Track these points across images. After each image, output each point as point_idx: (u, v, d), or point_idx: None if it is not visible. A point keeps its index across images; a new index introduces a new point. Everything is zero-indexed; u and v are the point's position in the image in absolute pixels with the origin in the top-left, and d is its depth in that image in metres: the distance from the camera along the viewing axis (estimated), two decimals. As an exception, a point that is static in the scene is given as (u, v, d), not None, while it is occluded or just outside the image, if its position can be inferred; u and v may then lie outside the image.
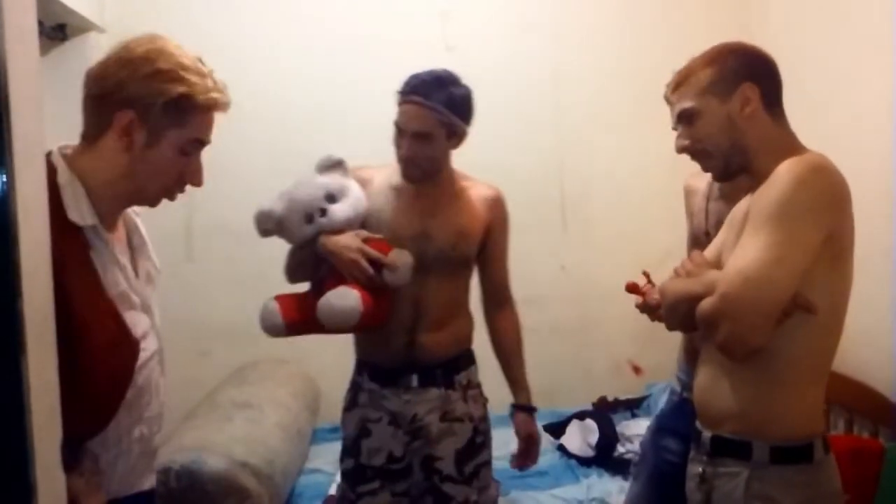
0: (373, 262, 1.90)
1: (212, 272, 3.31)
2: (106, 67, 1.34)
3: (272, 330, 1.96)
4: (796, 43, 3.00)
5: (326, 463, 2.96)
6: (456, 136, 1.97)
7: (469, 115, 1.98)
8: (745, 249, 1.38)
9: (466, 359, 2.13)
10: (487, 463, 2.11)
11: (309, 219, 1.94)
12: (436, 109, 1.91)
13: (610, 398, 3.51)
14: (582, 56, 3.56)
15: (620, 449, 3.04)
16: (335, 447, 3.03)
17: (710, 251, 1.61)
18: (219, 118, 1.42)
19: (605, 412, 3.31)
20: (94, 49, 2.99)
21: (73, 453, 1.27)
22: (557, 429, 3.20)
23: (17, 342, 0.91)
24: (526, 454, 2.19)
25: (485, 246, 2.09)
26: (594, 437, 3.04)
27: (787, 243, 1.35)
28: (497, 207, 2.10)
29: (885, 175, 2.53)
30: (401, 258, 1.93)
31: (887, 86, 2.58)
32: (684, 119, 1.53)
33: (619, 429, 3.13)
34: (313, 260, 1.97)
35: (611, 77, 3.55)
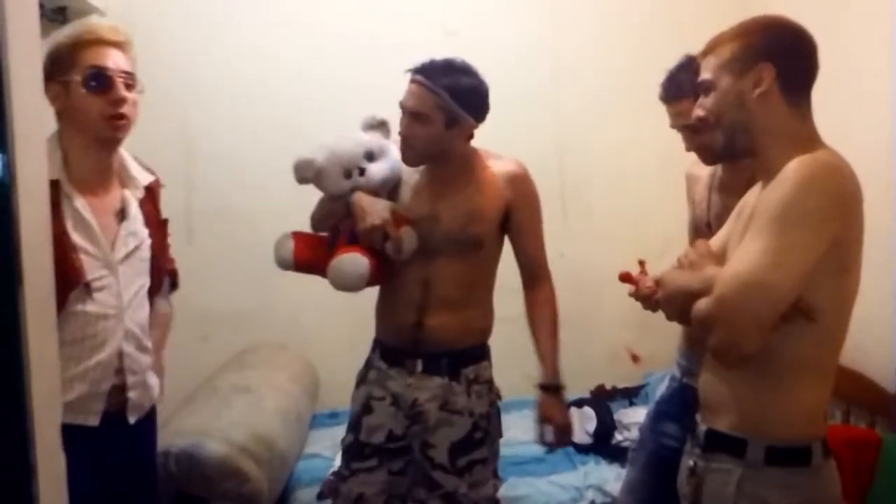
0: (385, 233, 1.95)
1: (212, 256, 3.30)
2: None
3: (282, 263, 2.06)
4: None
5: (325, 448, 2.97)
6: (457, 125, 1.94)
7: (476, 108, 1.95)
8: (745, 252, 1.34)
9: (478, 353, 2.10)
10: (485, 460, 2.06)
11: (347, 174, 2.00)
12: (435, 92, 1.90)
13: (608, 386, 3.52)
14: (583, 42, 3.54)
15: (618, 437, 3.05)
16: (334, 432, 3.05)
17: (715, 242, 1.58)
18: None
19: (602, 400, 3.32)
20: (95, 32, 2.97)
21: None
22: (555, 416, 3.21)
23: (18, 324, 0.91)
24: (552, 436, 2.07)
25: (509, 223, 2.06)
26: (592, 425, 3.05)
27: (788, 249, 1.30)
28: (517, 182, 2.05)
29: (885, 164, 2.53)
30: (408, 238, 1.97)
31: (887, 77, 2.57)
32: (702, 89, 1.50)
33: (616, 417, 3.14)
34: (342, 213, 2.01)
35: (611, 64, 3.53)
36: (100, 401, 1.72)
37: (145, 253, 1.85)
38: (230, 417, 2.51)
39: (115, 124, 1.71)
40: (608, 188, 3.60)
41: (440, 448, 2.02)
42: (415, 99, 1.93)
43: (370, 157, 2.01)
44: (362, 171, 2.00)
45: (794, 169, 1.32)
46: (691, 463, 1.52)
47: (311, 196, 2.08)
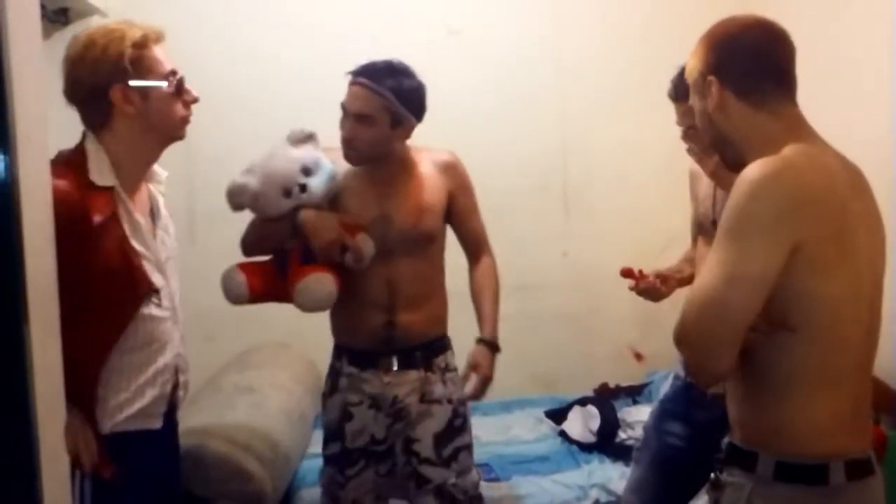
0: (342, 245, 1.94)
1: (215, 256, 3.28)
2: (76, 71, 1.61)
3: (236, 300, 2.01)
4: (794, 27, 2.97)
5: (328, 448, 2.97)
6: (401, 126, 1.98)
7: (418, 108, 1.99)
8: (705, 269, 1.29)
9: (443, 343, 2.16)
10: (467, 447, 2.12)
11: (287, 193, 1.95)
12: (381, 94, 1.93)
13: (611, 385, 3.51)
14: (585, 42, 3.54)
15: (622, 435, 3.04)
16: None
17: None
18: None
19: (606, 398, 3.31)
20: (97, 33, 2.97)
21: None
22: (559, 415, 3.21)
23: (21, 325, 0.91)
24: (472, 387, 2.07)
25: (452, 210, 2.12)
26: (596, 424, 3.05)
27: (740, 260, 1.23)
28: (453, 170, 2.12)
29: (885, 163, 2.51)
30: (366, 246, 1.97)
31: (887, 77, 2.56)
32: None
33: (620, 415, 3.14)
34: (287, 233, 1.97)
35: (614, 63, 3.53)
36: (164, 403, 1.71)
37: (176, 251, 1.83)
38: (234, 417, 2.51)
39: (187, 120, 1.74)
40: (611, 188, 3.59)
41: (424, 441, 2.06)
42: (360, 101, 1.95)
43: (307, 171, 1.97)
44: (303, 188, 1.95)
45: (743, 175, 1.27)
46: (712, 476, 1.46)
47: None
